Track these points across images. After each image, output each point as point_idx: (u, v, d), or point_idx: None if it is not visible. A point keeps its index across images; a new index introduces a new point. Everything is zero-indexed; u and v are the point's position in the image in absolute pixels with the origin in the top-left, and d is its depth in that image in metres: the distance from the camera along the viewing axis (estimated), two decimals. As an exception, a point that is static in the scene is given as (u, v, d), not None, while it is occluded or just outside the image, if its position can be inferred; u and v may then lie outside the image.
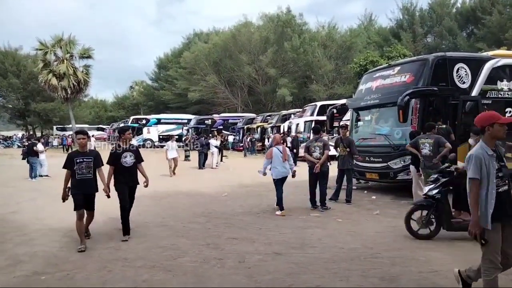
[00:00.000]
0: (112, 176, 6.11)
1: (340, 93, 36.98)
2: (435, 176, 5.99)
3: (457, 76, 9.34)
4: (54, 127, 50.14)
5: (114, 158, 6.05)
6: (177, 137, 22.33)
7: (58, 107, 44.03)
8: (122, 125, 43.06)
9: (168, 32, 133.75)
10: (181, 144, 26.73)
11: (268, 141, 21.73)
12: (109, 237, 6.14)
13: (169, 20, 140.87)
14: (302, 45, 41.75)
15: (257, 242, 5.71)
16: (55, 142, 38.97)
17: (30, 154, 14.43)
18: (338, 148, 8.82)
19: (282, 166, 7.70)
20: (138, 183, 6.29)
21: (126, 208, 6.17)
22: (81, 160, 5.58)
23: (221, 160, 20.94)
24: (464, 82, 9.40)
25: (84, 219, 5.67)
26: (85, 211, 5.62)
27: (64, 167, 5.64)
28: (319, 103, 23.25)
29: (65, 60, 36.38)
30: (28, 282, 4.34)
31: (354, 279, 4.19)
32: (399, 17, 46.03)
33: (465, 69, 9.46)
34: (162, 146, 37.56)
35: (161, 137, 38.92)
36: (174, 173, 14.93)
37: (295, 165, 17.41)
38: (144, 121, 39.61)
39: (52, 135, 45.92)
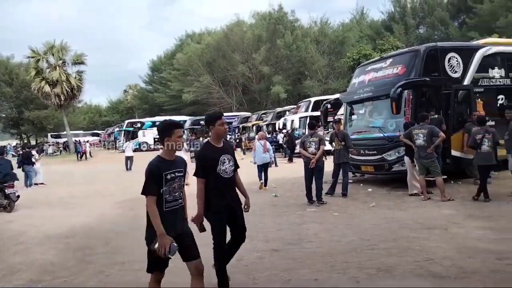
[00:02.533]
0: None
1: (334, 88, 37.01)
2: None
3: (448, 65, 9.37)
4: (49, 134, 49.91)
5: (209, 166, 3.73)
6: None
7: (52, 114, 43.84)
8: (117, 129, 43.06)
9: (161, 34, 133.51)
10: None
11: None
12: (103, 241, 6.11)
13: (162, 22, 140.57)
14: (294, 42, 41.80)
15: (255, 240, 5.70)
16: (50, 150, 38.82)
17: (25, 162, 14.39)
18: (333, 143, 8.83)
19: (263, 155, 10.74)
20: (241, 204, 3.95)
21: (223, 251, 3.90)
22: (172, 175, 3.21)
23: None
24: (456, 72, 9.43)
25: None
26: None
27: (148, 191, 3.11)
28: (313, 99, 23.27)
29: (57, 67, 36.17)
30: (25, 290, 4.32)
31: (350, 271, 4.20)
32: (391, 9, 46.24)
33: (456, 58, 9.49)
34: (158, 149, 37.62)
35: (156, 140, 38.81)
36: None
37: (291, 161, 17.47)
38: (139, 125, 39.49)
39: (46, 142, 45.71)
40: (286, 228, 6.29)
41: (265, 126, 27.58)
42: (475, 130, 7.65)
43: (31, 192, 13.13)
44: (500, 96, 9.98)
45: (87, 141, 35.84)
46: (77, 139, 45.45)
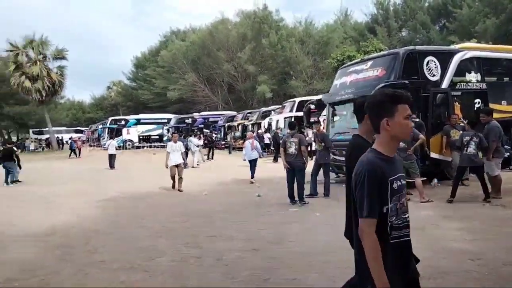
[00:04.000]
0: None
1: (319, 88, 37.33)
2: None
3: (427, 69, 9.61)
4: (31, 130, 48.82)
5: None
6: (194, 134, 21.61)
7: (33, 110, 42.84)
8: (100, 126, 42.45)
9: (144, 30, 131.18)
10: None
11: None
12: (84, 240, 6.07)
13: (145, 17, 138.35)
14: (279, 41, 41.98)
15: (236, 239, 5.77)
16: (32, 146, 38.01)
17: (6, 159, 14.08)
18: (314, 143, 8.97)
19: (251, 152, 12.32)
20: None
21: None
22: (398, 183, 1.99)
23: (212, 158, 21.50)
24: (434, 75, 9.68)
25: None
26: None
27: (367, 210, 1.89)
28: (297, 99, 23.47)
29: (38, 62, 35.50)
30: (1, 290, 4.27)
31: (328, 271, 4.29)
32: (374, 11, 46.83)
33: (434, 62, 9.74)
34: (142, 147, 37.30)
35: (141, 137, 38.50)
36: (179, 188, 10.71)
37: (276, 161, 17.82)
38: (123, 122, 39.04)
39: (27, 139, 44.68)
40: (268, 228, 6.36)
41: (250, 125, 27.66)
42: (465, 132, 7.84)
43: (11, 190, 12.86)
44: (477, 100, 10.29)
45: (79, 138, 35.14)
46: (60, 135, 44.72)
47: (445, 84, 9.76)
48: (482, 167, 7.54)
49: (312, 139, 11.36)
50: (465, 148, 7.49)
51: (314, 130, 9.10)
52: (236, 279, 4.26)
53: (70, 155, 28.08)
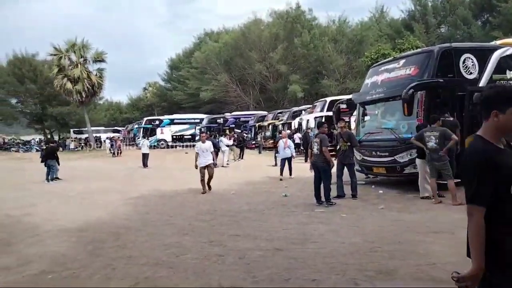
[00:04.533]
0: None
1: (352, 87, 36.62)
2: None
3: (463, 67, 9.18)
4: (71, 130, 51.24)
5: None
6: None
7: (74, 110, 44.91)
8: (135, 126, 43.85)
9: (180, 32, 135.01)
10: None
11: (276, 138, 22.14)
12: (114, 236, 6.30)
13: (181, 20, 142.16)
14: (312, 41, 41.57)
15: (259, 239, 5.79)
16: (72, 145, 39.86)
17: (49, 157, 14.87)
18: (339, 144, 8.78)
19: (284, 151, 12.98)
20: None
21: None
22: None
23: (242, 158, 21.76)
24: (471, 73, 9.24)
25: None
26: None
27: (474, 196, 1.93)
28: (328, 99, 23.10)
29: (79, 65, 37.17)
30: (36, 281, 4.52)
31: (350, 273, 4.22)
32: (411, 8, 45.26)
33: (472, 59, 9.29)
34: (175, 146, 38.17)
35: (174, 137, 39.38)
36: (209, 188, 10.50)
37: (307, 161, 17.80)
38: (157, 122, 40.11)
39: (68, 138, 46.92)
40: (292, 228, 6.34)
41: (280, 125, 27.56)
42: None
43: (51, 187, 13.57)
44: (518, 99, 9.70)
45: (119, 138, 36.55)
46: (98, 135, 46.61)
47: (483, 83, 9.27)
48: None
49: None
50: None
51: (338, 130, 8.90)
52: (257, 278, 4.28)
53: (113, 154, 29.46)
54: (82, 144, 42.10)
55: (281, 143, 13.35)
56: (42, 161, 15.26)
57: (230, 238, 5.89)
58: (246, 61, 44.87)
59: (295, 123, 24.00)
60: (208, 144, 10.69)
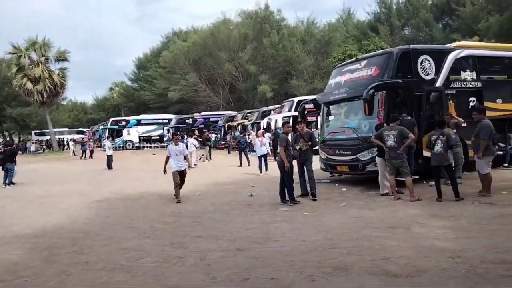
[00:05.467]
0: None
1: (320, 87, 37.14)
2: None
3: (421, 68, 9.55)
4: (33, 132, 49.11)
5: None
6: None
7: (35, 111, 43.05)
8: (101, 127, 42.62)
9: (148, 31, 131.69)
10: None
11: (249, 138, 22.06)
12: (72, 241, 6.09)
13: (149, 19, 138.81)
14: (281, 41, 41.94)
15: (222, 239, 5.77)
16: (33, 148, 38.18)
17: (7, 160, 14.17)
18: (298, 144, 8.57)
19: (260, 149, 14.04)
20: None
21: None
22: None
23: (210, 158, 21.55)
24: (428, 74, 9.63)
25: None
26: None
27: None
28: (296, 99, 23.42)
29: (40, 64, 35.68)
30: (-17, 291, 4.30)
31: (308, 270, 4.28)
32: (377, 10, 46.69)
33: (429, 61, 9.68)
34: (143, 147, 37.41)
35: (141, 138, 38.64)
36: (178, 199, 9.09)
37: (276, 161, 17.38)
38: (123, 123, 39.17)
39: (29, 140, 44.91)
40: (255, 228, 6.36)
41: (250, 125, 27.63)
42: (432, 131, 7.86)
43: (8, 191, 12.94)
44: (472, 99, 10.21)
45: (89, 139, 35.23)
46: (61, 136, 44.93)
47: (439, 83, 9.70)
48: (450, 166, 7.81)
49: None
50: (433, 148, 7.59)
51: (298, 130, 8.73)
52: (216, 278, 4.26)
53: (82, 156, 28.27)
54: (44, 147, 40.44)
55: (257, 141, 14.41)
56: (0, 164, 14.53)
57: (192, 240, 5.83)
58: (215, 61, 44.66)
59: (263, 123, 24.13)
60: (182, 146, 9.53)
